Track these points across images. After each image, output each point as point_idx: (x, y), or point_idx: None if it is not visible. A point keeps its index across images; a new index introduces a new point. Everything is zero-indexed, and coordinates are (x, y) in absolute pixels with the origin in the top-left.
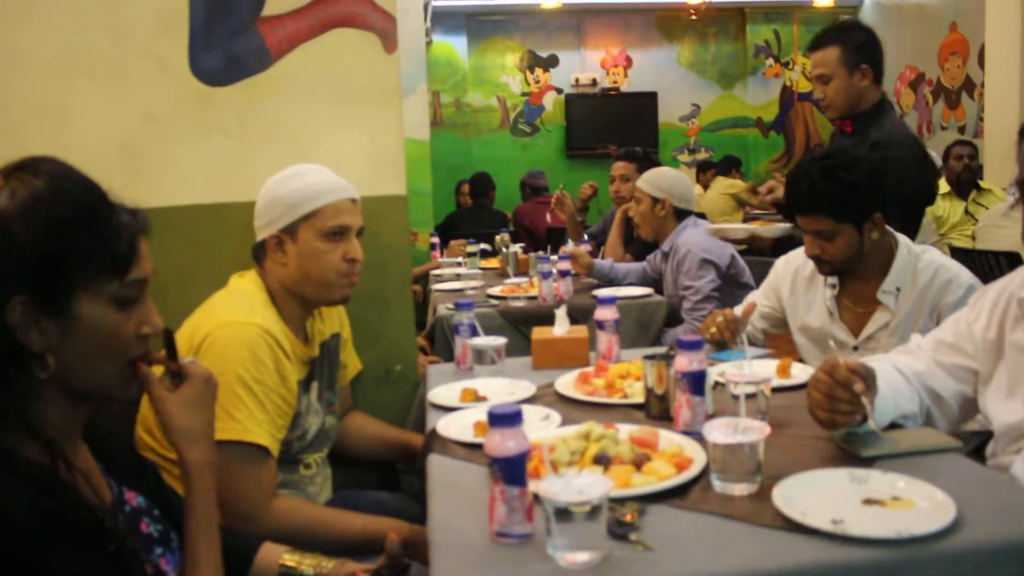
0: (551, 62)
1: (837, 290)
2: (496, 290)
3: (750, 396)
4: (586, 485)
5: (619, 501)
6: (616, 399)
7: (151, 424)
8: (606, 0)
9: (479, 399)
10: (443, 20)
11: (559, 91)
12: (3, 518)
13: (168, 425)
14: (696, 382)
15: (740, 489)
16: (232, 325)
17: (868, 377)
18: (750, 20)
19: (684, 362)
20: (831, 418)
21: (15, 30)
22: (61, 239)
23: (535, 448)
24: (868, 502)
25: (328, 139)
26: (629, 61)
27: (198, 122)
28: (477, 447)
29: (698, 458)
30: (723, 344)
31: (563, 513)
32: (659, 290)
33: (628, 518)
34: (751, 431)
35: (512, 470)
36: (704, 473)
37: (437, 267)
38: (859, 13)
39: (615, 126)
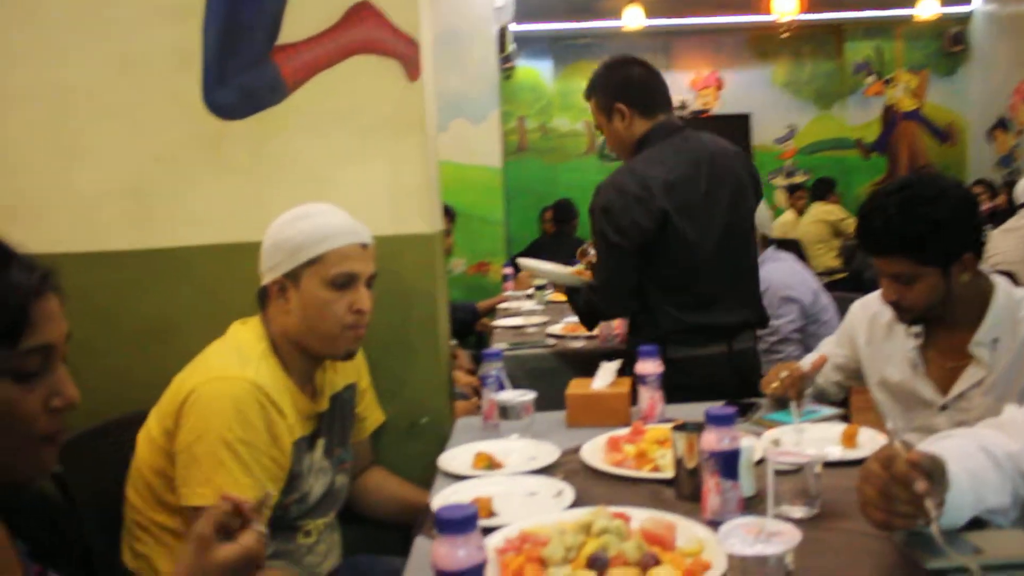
0: None
1: (922, 340)
2: (557, 328)
3: (787, 473)
4: None
5: None
6: (645, 472)
7: (140, 486)
8: (694, 21)
9: (493, 466)
10: (527, 45)
11: None
12: None
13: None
14: (727, 463)
15: None
16: (220, 380)
17: (935, 471)
18: (849, 37)
19: (712, 439)
20: (887, 520)
21: (22, 65)
22: None
23: (525, 540)
24: None
25: (347, 173)
26: (720, 82)
27: (211, 158)
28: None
29: (718, 563)
30: (785, 403)
31: None
32: None
33: None
34: (777, 538)
35: None
36: None
37: (504, 300)
38: (968, 25)
39: None
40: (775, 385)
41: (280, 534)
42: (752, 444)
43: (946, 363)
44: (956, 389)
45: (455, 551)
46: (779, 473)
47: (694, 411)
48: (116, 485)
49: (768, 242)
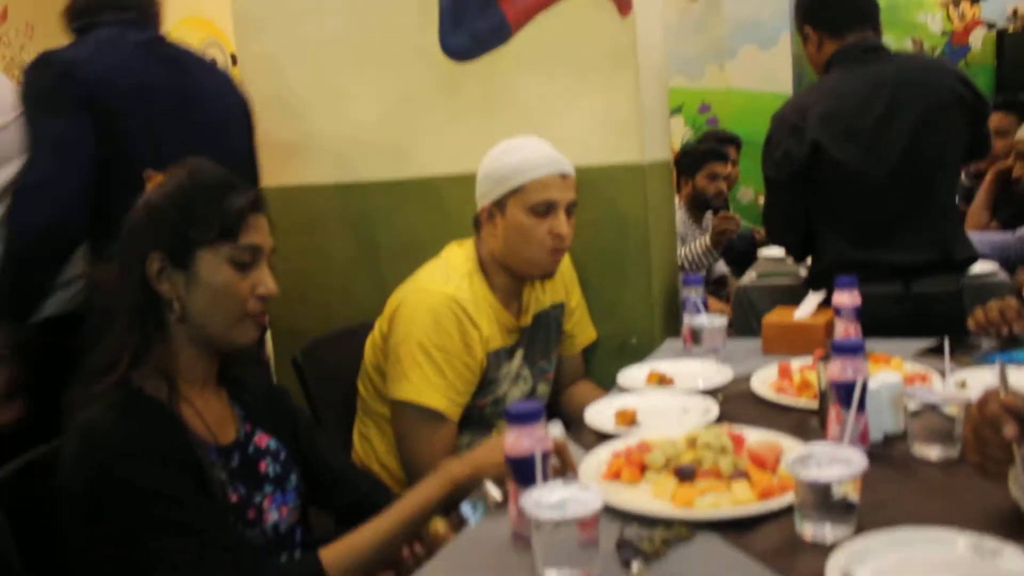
0: None
1: None
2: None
3: (923, 412)
4: (575, 499)
5: (667, 523)
6: (803, 401)
7: (366, 381)
8: None
9: (663, 383)
10: None
11: (990, 26)
12: (102, 435)
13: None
14: (847, 394)
15: (814, 533)
16: (423, 292)
17: None
18: None
19: (835, 369)
20: (981, 463)
21: (300, 23)
22: (187, 212)
23: (641, 447)
24: None
25: (564, 108)
26: None
27: (448, 98)
28: (609, 437)
29: None
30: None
31: (538, 525)
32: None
33: (648, 545)
34: (840, 464)
35: (523, 470)
36: (791, 507)
37: None
38: None
39: None
40: (976, 320)
41: (477, 430)
42: (896, 380)
43: None
44: None
45: (520, 440)
46: (917, 412)
47: (899, 347)
48: (351, 380)
49: None
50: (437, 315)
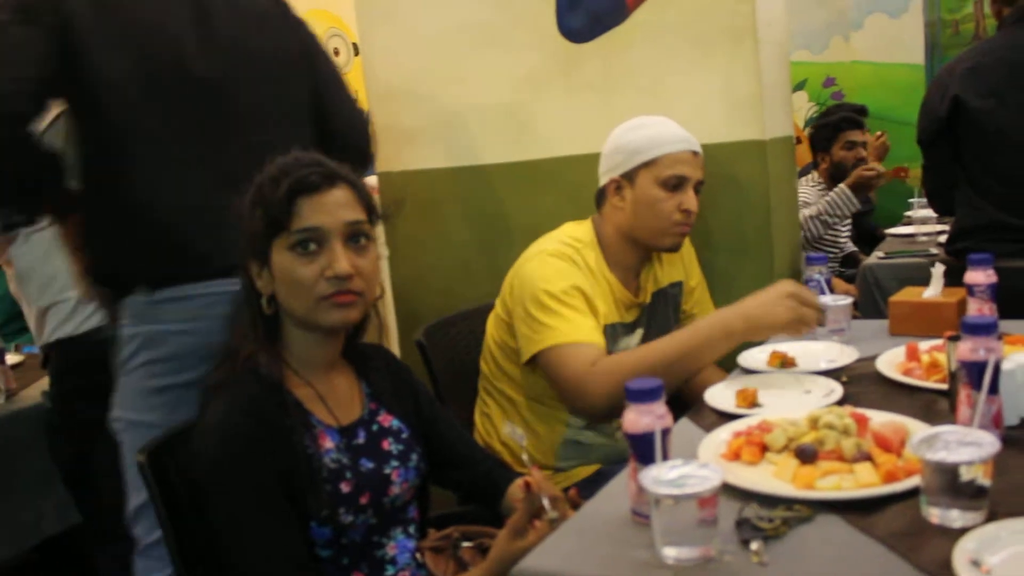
0: None
1: None
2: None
3: None
4: (694, 477)
5: (787, 503)
6: (932, 382)
7: (488, 358)
8: None
9: (786, 364)
10: None
11: None
12: (216, 432)
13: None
14: (979, 374)
15: (941, 517)
16: (540, 252)
17: None
18: None
19: (966, 348)
20: None
21: (424, 9)
22: (252, 217)
23: (762, 427)
24: None
25: (683, 84)
26: None
27: (567, 78)
28: (729, 418)
29: None
30: None
31: (656, 502)
32: None
33: (768, 524)
34: (972, 447)
35: (643, 447)
36: (916, 490)
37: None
38: None
39: None
40: None
41: None
42: None
43: None
44: None
45: (640, 418)
46: None
47: None
48: (473, 360)
49: None
50: (558, 264)
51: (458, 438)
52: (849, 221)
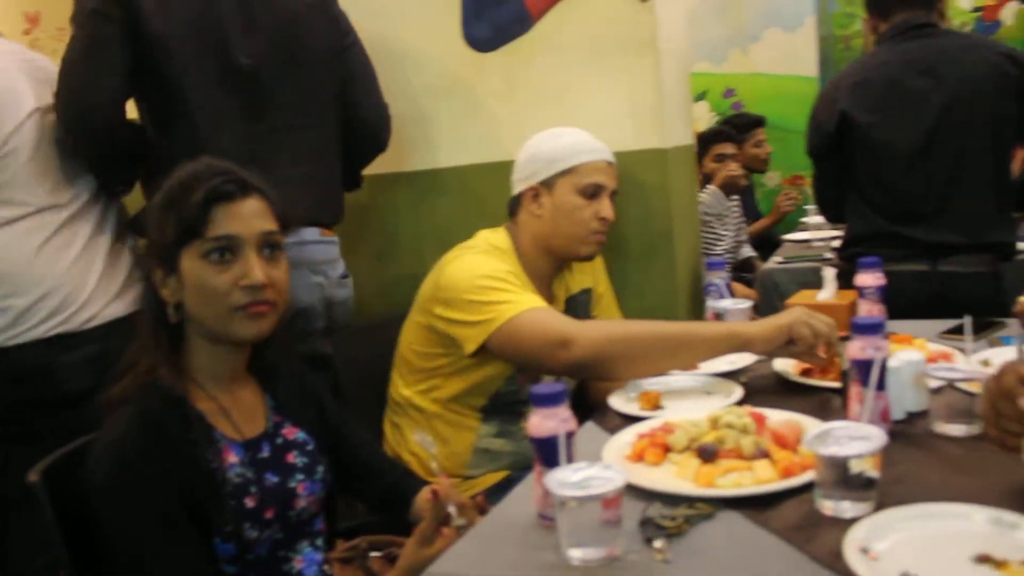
0: None
1: None
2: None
3: (937, 391)
4: (598, 478)
5: (689, 501)
6: (828, 381)
7: (401, 367)
8: None
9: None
10: None
11: (1023, 1)
12: (113, 449)
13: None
14: (867, 372)
15: (834, 509)
16: (463, 250)
17: None
18: None
19: (856, 347)
20: (998, 436)
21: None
22: (159, 222)
23: (664, 429)
24: (982, 560)
25: (587, 94)
26: None
27: (472, 87)
28: (632, 420)
29: None
30: None
31: (562, 504)
32: None
33: (671, 522)
34: (861, 441)
35: (548, 451)
36: (811, 485)
37: (779, 220)
38: None
39: None
40: (1018, 306)
41: (507, 416)
42: (919, 358)
43: None
44: None
45: (544, 421)
46: (938, 390)
47: (924, 328)
48: (384, 369)
49: None
50: (487, 257)
51: (366, 449)
52: (741, 225)
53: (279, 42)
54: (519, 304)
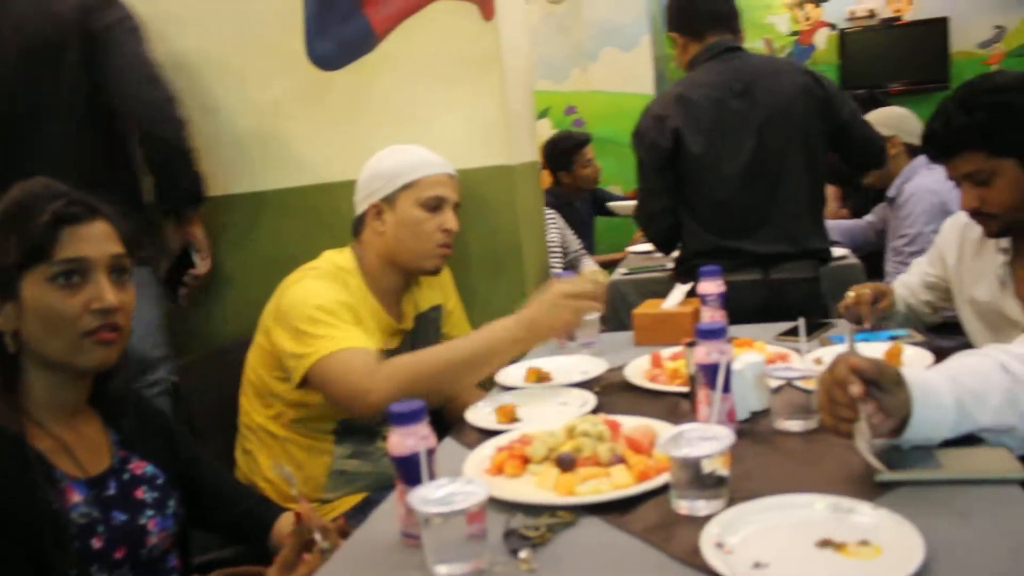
0: None
1: (1010, 256)
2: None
3: (783, 388)
4: (461, 493)
5: (551, 510)
6: (675, 386)
7: (249, 392)
8: None
9: (541, 379)
10: None
11: (832, 27)
12: None
13: None
14: (713, 375)
15: (689, 508)
16: (302, 275)
17: (882, 379)
18: None
19: (702, 352)
20: (833, 424)
21: (169, 33)
22: (3, 245)
23: (522, 441)
24: (824, 544)
25: (433, 112)
26: None
27: (317, 106)
28: (491, 434)
29: None
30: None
31: (426, 521)
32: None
33: (534, 532)
34: (711, 441)
35: (410, 469)
36: (667, 487)
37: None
38: None
39: (897, 61)
40: (850, 296)
41: (361, 437)
42: (759, 360)
43: None
44: None
45: (404, 440)
46: (778, 389)
47: (761, 331)
48: (232, 396)
49: (918, 150)
50: (326, 283)
51: (219, 478)
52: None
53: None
54: (336, 342)
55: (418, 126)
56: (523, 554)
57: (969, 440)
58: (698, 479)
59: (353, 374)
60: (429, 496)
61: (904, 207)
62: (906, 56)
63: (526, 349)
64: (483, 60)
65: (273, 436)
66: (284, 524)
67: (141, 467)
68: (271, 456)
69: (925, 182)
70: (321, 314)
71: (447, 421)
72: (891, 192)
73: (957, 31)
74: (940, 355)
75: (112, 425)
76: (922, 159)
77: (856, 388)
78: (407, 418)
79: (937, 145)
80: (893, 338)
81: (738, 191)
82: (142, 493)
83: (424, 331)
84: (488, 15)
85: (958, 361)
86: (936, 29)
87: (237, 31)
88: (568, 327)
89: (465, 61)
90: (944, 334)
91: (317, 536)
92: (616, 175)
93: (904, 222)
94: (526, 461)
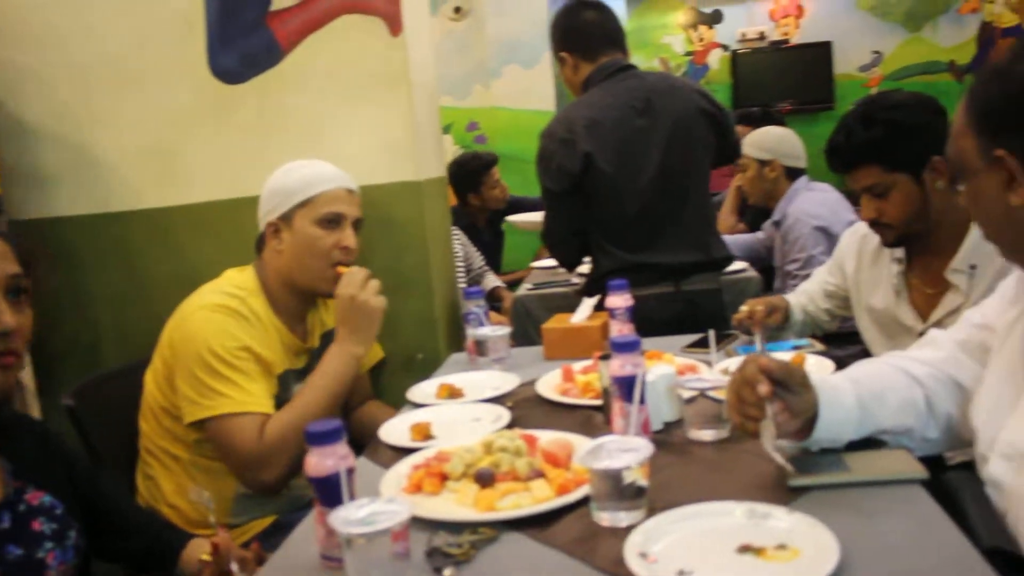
0: (715, 18)
1: (904, 265)
2: (585, 268)
3: (695, 399)
4: (383, 512)
5: (472, 527)
6: (586, 399)
7: (149, 416)
8: None
9: (454, 395)
10: None
11: (725, 48)
12: None
13: None
14: (628, 387)
15: (611, 519)
16: (201, 307)
17: (789, 380)
18: None
19: (615, 365)
20: (741, 423)
21: (48, 48)
22: None
23: (439, 458)
24: (744, 549)
25: (339, 128)
26: (801, 10)
27: (221, 120)
28: (406, 452)
29: None
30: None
31: (349, 542)
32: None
33: (457, 549)
34: (630, 453)
35: (329, 490)
36: (587, 499)
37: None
38: None
39: (786, 82)
40: (744, 308)
41: None
42: (671, 371)
43: (927, 289)
44: (935, 316)
45: (323, 460)
46: (690, 400)
47: (669, 343)
48: (131, 419)
49: (798, 172)
50: (225, 321)
51: (122, 505)
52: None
53: None
54: (232, 403)
55: (325, 142)
56: (447, 572)
57: (872, 443)
58: (619, 490)
59: (246, 445)
60: (351, 517)
61: (791, 231)
62: (794, 77)
63: (366, 357)
64: (391, 76)
65: (176, 459)
66: (192, 551)
67: (38, 497)
68: (174, 481)
69: (805, 206)
70: (219, 364)
71: (359, 441)
72: (776, 216)
73: (840, 55)
74: (838, 364)
75: (4, 454)
76: (802, 181)
77: (764, 387)
78: (325, 438)
79: (839, 158)
80: (796, 348)
81: (649, 206)
82: (39, 525)
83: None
84: (396, 31)
85: (858, 367)
86: (821, 52)
87: (137, 42)
88: (381, 310)
89: (373, 76)
90: (839, 344)
91: (234, 566)
92: (520, 192)
93: (793, 247)
94: (444, 478)
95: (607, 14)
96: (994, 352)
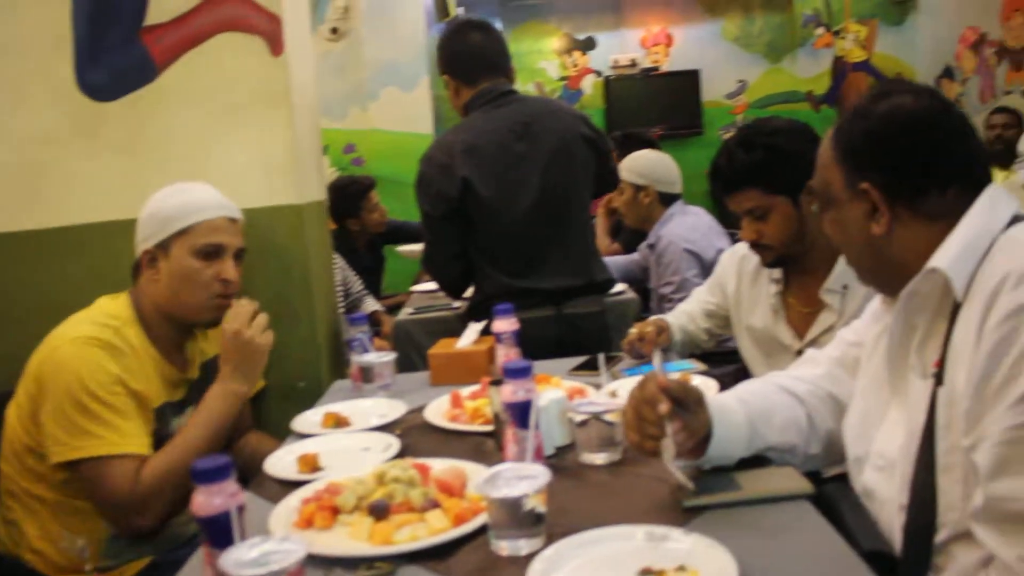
0: (588, 44)
1: (782, 286)
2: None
3: (587, 423)
4: (277, 552)
5: (368, 561)
6: (476, 426)
7: (10, 456)
8: None
9: (340, 424)
10: (476, 7)
11: (598, 74)
12: None
13: None
14: (522, 413)
15: (510, 548)
16: (71, 341)
17: (687, 399)
18: None
19: (508, 391)
20: (640, 442)
21: None
22: None
23: (329, 490)
24: (645, 573)
25: (217, 149)
26: (670, 39)
27: (90, 139)
28: (294, 485)
29: None
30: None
31: None
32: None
33: None
34: (528, 479)
35: (219, 529)
36: (484, 528)
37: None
38: None
39: (656, 107)
40: (633, 332)
41: None
42: (562, 396)
43: (803, 308)
44: (811, 334)
45: (211, 499)
46: (582, 423)
47: (554, 366)
48: None
49: (673, 198)
50: (97, 355)
51: None
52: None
53: None
54: (105, 444)
55: (202, 162)
56: None
57: (760, 462)
58: (517, 519)
59: (120, 490)
60: (243, 558)
61: (664, 254)
62: (664, 103)
63: (251, 394)
64: (271, 96)
65: (41, 500)
66: None
67: None
68: (39, 524)
69: (678, 230)
70: (91, 402)
71: (241, 473)
72: (651, 239)
73: (707, 83)
74: (721, 384)
75: None
76: (677, 206)
77: (664, 406)
78: (213, 475)
79: (721, 181)
80: (680, 370)
81: (530, 231)
82: None
83: (211, 380)
84: (277, 51)
85: (744, 386)
86: (689, 80)
87: None
88: (267, 348)
89: (253, 96)
90: (715, 362)
91: None
92: (399, 215)
93: (667, 270)
94: (336, 512)
95: (492, 36)
96: (862, 366)
